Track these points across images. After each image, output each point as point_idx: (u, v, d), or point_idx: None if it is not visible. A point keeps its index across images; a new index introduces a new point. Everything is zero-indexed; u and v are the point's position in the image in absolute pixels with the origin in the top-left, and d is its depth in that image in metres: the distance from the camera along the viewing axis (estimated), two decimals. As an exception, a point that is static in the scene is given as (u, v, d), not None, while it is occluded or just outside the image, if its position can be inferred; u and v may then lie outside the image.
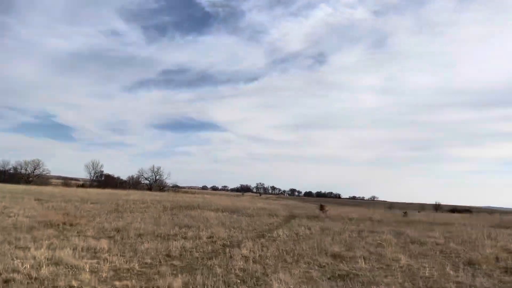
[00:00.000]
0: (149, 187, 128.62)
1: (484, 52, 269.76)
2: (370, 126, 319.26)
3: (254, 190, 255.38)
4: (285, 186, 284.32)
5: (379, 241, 16.52)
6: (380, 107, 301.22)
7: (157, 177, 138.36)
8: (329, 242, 15.74)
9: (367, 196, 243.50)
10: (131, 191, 65.07)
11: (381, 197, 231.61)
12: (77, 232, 16.12)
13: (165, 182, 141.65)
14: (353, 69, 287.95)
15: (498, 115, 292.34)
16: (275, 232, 18.77)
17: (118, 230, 17.09)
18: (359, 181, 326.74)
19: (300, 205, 43.43)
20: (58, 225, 18.18)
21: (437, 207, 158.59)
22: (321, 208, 27.41)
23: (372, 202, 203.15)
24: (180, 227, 19.13)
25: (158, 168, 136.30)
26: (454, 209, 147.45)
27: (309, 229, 20.29)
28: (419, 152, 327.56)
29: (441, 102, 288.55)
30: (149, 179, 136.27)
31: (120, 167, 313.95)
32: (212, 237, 16.58)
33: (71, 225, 18.55)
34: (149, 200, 33.95)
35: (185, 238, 16.13)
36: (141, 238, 15.44)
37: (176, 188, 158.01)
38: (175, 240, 15.38)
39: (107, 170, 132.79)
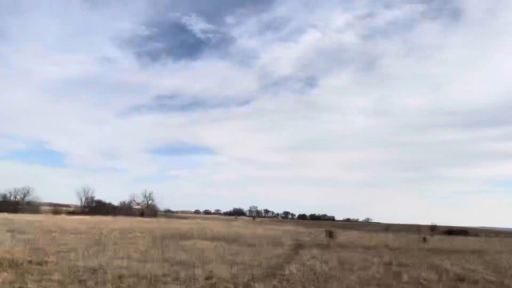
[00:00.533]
0: (141, 213, 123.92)
1: (470, 74, 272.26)
2: (362, 148, 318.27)
3: (247, 214, 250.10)
4: (278, 209, 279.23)
5: (419, 280, 13.21)
6: (371, 129, 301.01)
7: (150, 202, 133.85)
8: (357, 282, 12.46)
9: (361, 218, 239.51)
10: (118, 218, 61.01)
11: (375, 219, 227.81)
12: (41, 275, 12.65)
13: (158, 207, 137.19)
14: (343, 91, 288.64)
15: (486, 135, 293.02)
16: (287, 268, 15.39)
17: (94, 271, 13.61)
18: (352, 202, 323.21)
19: (301, 231, 40.00)
20: (22, 264, 14.68)
21: (433, 228, 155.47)
22: (329, 234, 23.89)
23: (367, 224, 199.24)
24: (171, 264, 15.68)
25: (151, 193, 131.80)
26: (450, 231, 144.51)
27: (325, 263, 16.94)
28: (411, 173, 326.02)
29: (431, 123, 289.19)
30: (141, 204, 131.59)
31: (113, 193, 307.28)
32: (211, 277, 13.18)
33: (38, 264, 15.05)
34: (137, 229, 30.25)
35: (177, 280, 12.72)
36: (122, 282, 12.03)
37: (168, 213, 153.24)
38: (165, 284, 11.99)
39: (99, 196, 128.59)
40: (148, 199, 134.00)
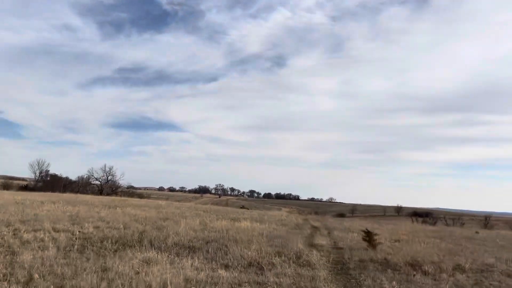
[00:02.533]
0: (100, 189, 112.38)
1: (434, 60, 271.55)
2: (327, 129, 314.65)
3: (213, 191, 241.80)
4: (244, 187, 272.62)
5: None
6: (336, 111, 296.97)
7: (109, 178, 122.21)
8: None
9: (325, 197, 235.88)
10: (67, 195, 50.35)
11: (338, 199, 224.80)
12: None
13: (118, 183, 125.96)
14: (311, 72, 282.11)
15: (446, 120, 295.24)
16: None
17: None
18: (316, 182, 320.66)
19: (295, 221, 31.57)
20: None
21: (398, 210, 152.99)
22: (369, 238, 12.22)
23: (330, 204, 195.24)
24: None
25: (111, 168, 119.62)
26: (415, 213, 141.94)
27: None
28: (373, 155, 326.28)
29: (394, 106, 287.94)
30: (100, 180, 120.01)
31: (72, 167, 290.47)
32: None
33: None
34: (67, 214, 19.71)
35: None
36: None
37: (130, 190, 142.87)
38: None
39: (57, 170, 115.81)
40: (108, 174, 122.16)
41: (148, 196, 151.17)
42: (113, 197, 51.66)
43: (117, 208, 24.08)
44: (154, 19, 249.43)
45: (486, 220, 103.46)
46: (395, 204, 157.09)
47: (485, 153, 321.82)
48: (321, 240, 13.72)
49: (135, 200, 39.78)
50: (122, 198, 54.89)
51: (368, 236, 12.47)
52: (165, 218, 18.49)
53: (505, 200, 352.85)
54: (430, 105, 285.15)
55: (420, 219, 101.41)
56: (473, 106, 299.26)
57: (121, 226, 14.01)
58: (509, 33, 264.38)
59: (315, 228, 18.77)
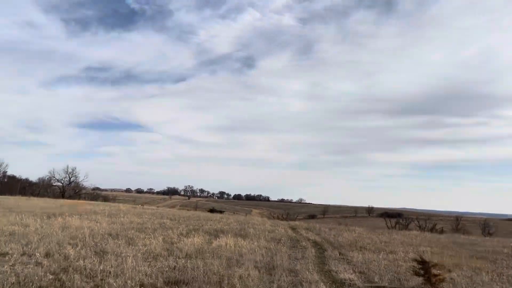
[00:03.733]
0: (62, 192, 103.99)
1: (399, 64, 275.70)
2: (297, 130, 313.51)
3: (182, 193, 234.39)
4: (214, 189, 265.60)
5: None
6: (306, 112, 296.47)
7: (72, 179, 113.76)
8: None
9: (295, 198, 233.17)
10: (13, 199, 43.87)
11: (308, 200, 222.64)
12: None
13: (82, 185, 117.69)
14: (281, 74, 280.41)
15: (412, 123, 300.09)
16: None
17: None
18: (286, 183, 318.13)
19: (285, 232, 26.83)
20: None
21: (369, 211, 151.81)
22: (426, 271, 8.28)
23: (301, 205, 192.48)
24: None
25: (73, 169, 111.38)
26: (386, 213, 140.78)
27: None
28: (342, 156, 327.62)
29: (362, 109, 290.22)
30: (62, 182, 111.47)
31: (35, 169, 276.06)
32: None
33: None
34: None
35: None
36: None
37: (95, 192, 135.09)
38: None
39: (18, 172, 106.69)
40: (71, 175, 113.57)
41: (114, 198, 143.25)
42: (71, 201, 45.48)
43: (60, 217, 18.75)
44: (122, 18, 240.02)
45: (458, 221, 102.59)
46: (365, 205, 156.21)
47: (448, 154, 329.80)
48: (342, 271, 9.14)
49: (91, 205, 34.11)
50: (81, 201, 48.65)
51: (424, 268, 7.97)
52: (115, 234, 13.46)
53: (467, 200, 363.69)
54: (397, 108, 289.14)
55: (393, 220, 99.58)
56: (437, 109, 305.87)
57: (38, 255, 8.98)
58: (471, 38, 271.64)
59: (316, 244, 14.21)
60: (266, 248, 12.00)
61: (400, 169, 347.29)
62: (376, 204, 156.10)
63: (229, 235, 14.55)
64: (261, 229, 18.67)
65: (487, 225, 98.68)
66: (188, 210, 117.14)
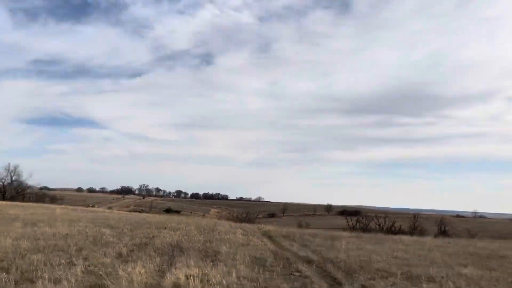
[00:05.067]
0: (3, 192, 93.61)
1: (355, 64, 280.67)
2: (255, 128, 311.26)
3: (137, 192, 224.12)
4: (170, 188, 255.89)
5: None
6: (264, 110, 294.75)
7: (14, 178, 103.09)
8: None
9: (253, 197, 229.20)
10: None
11: (267, 198, 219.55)
12: None
13: (27, 184, 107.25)
14: (239, 71, 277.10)
15: (366, 121, 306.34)
16: None
17: None
18: (245, 181, 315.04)
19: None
20: None
21: (328, 209, 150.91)
22: None
23: (260, 203, 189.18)
24: None
25: (16, 167, 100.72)
26: (345, 211, 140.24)
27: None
28: (300, 154, 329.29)
29: (319, 107, 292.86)
30: (3, 181, 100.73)
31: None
32: None
33: None
34: None
35: None
36: None
37: (41, 192, 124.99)
38: None
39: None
40: (13, 174, 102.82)
41: (62, 199, 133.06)
42: (4, 203, 38.64)
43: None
44: (74, 9, 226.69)
45: (415, 219, 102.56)
46: (323, 203, 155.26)
47: (400, 153, 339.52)
48: None
49: (20, 208, 28.02)
50: (15, 203, 41.71)
51: None
52: (6, 265, 8.45)
53: (419, 198, 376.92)
54: (352, 107, 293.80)
55: (353, 219, 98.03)
56: (390, 108, 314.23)
57: None
58: (422, 40, 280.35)
59: (318, 268, 9.82)
60: (252, 283, 7.48)
61: (356, 167, 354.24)
62: (334, 202, 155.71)
63: (191, 257, 9.88)
64: (232, 240, 14.09)
65: (443, 223, 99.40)
66: (141, 211, 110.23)
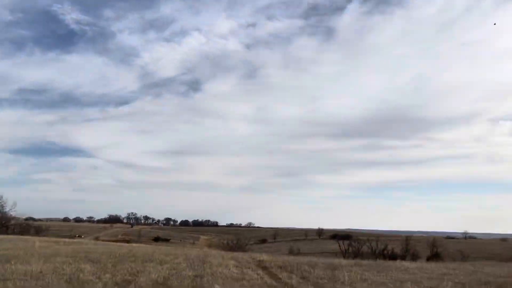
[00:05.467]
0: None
1: (340, 89, 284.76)
2: (243, 154, 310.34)
3: (125, 221, 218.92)
4: (159, 215, 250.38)
5: None
6: (252, 135, 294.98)
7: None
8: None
9: (244, 222, 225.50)
10: None
11: (257, 223, 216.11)
12: None
13: (11, 215, 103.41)
14: (226, 97, 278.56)
15: (354, 145, 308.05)
16: None
17: None
18: (235, 207, 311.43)
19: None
20: None
21: (320, 233, 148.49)
22: None
23: (250, 229, 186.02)
24: None
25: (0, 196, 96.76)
26: (336, 235, 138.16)
27: None
28: (289, 179, 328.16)
29: (307, 132, 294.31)
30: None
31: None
32: None
33: None
34: None
35: None
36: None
37: (24, 223, 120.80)
38: None
39: None
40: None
41: (47, 229, 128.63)
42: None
43: None
44: (60, 39, 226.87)
45: (407, 241, 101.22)
46: (314, 226, 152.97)
47: (388, 176, 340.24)
48: None
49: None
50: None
51: None
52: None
53: (408, 219, 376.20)
54: (339, 131, 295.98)
55: (345, 243, 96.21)
56: (376, 132, 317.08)
57: None
58: (406, 65, 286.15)
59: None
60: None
61: (345, 191, 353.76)
62: (325, 225, 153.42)
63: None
64: (225, 275, 12.74)
65: (435, 245, 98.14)
66: (129, 240, 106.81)
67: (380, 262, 21.52)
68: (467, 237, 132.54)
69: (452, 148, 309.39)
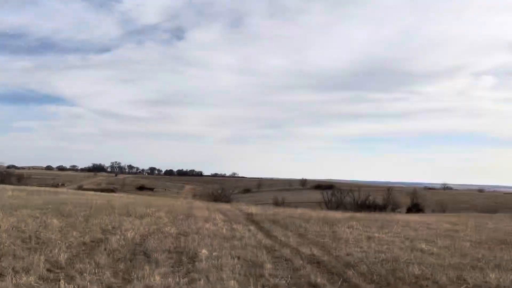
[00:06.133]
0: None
1: (327, 40, 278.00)
2: (228, 105, 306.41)
3: (109, 170, 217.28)
4: (144, 165, 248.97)
5: None
6: (237, 86, 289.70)
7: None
8: None
9: (228, 172, 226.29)
10: None
11: (241, 173, 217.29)
12: None
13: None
14: (211, 46, 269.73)
15: (338, 97, 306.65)
16: None
17: None
18: (219, 158, 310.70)
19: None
20: None
21: (303, 183, 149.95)
22: None
23: (235, 179, 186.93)
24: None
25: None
26: (320, 185, 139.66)
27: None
28: (273, 130, 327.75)
29: (292, 84, 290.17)
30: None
31: None
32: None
33: None
34: None
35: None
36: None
37: (5, 171, 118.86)
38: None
39: None
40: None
41: (29, 177, 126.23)
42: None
43: None
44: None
45: (389, 192, 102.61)
46: (298, 177, 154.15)
47: (371, 128, 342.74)
48: None
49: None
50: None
51: None
52: None
53: (389, 171, 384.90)
54: (324, 83, 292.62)
55: (329, 192, 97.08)
56: (361, 84, 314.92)
57: None
58: (393, 17, 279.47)
59: (343, 282, 6.96)
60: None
61: (328, 142, 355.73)
62: (308, 176, 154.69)
63: (159, 265, 6.88)
64: (213, 232, 11.13)
65: (415, 196, 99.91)
66: (113, 189, 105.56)
67: (377, 215, 20.36)
68: (446, 188, 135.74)
69: (435, 101, 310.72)
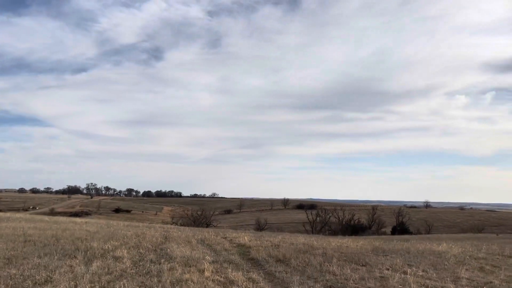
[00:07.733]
0: None
1: (304, 61, 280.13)
2: (207, 125, 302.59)
3: (85, 192, 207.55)
4: (121, 186, 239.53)
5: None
6: (215, 106, 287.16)
7: None
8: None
9: (208, 193, 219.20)
10: None
11: (221, 194, 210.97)
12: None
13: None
14: (189, 66, 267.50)
15: (314, 117, 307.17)
16: None
17: None
18: (198, 178, 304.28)
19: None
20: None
21: (285, 203, 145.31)
22: None
23: (215, 200, 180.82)
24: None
25: None
26: (301, 205, 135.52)
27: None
28: (253, 150, 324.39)
29: (269, 103, 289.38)
30: None
31: None
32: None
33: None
34: None
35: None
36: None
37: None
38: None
39: None
40: None
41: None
42: None
43: None
44: (10, 1, 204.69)
45: (374, 211, 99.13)
46: (279, 197, 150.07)
47: (350, 147, 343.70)
48: None
49: None
50: None
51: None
52: None
53: (369, 189, 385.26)
54: (301, 103, 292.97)
55: (313, 212, 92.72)
56: (338, 104, 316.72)
57: None
58: (368, 38, 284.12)
59: None
60: None
61: (308, 162, 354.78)
62: (290, 195, 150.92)
63: None
64: (197, 279, 6.71)
65: (401, 214, 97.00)
66: (87, 212, 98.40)
67: (405, 244, 16.08)
68: (427, 206, 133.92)
69: (410, 120, 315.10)
